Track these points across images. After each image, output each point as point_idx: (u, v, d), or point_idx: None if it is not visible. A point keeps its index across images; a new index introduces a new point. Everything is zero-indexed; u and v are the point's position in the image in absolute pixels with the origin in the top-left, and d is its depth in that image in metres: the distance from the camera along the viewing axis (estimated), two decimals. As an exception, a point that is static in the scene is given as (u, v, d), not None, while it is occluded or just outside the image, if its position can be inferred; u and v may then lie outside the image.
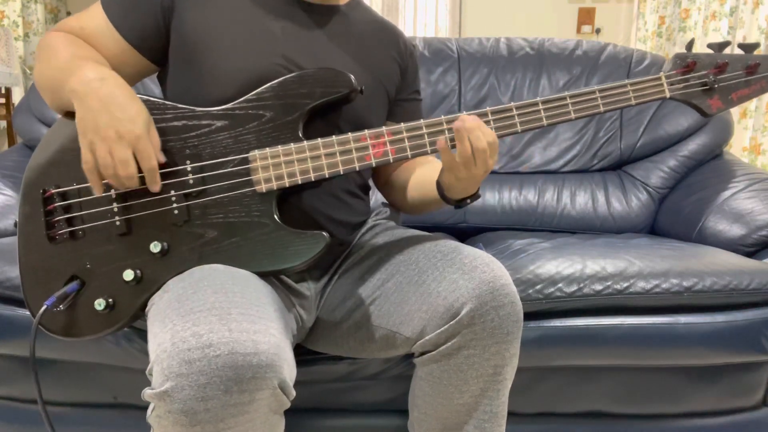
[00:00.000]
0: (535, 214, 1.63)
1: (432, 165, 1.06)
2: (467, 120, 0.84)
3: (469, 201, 0.94)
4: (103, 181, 0.82)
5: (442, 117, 0.88)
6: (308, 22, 0.95)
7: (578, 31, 3.94)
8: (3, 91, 3.31)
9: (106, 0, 0.93)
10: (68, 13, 4.14)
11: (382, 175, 1.13)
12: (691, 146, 1.64)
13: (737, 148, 3.13)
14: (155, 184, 0.83)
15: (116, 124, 0.78)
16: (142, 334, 1.08)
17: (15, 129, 1.63)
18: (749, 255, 1.29)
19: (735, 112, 3.13)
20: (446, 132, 0.88)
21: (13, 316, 1.09)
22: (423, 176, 1.03)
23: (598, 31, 3.94)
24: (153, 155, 0.80)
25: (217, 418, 0.67)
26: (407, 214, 1.14)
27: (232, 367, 0.66)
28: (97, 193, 0.83)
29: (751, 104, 3.08)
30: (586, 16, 3.92)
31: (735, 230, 1.33)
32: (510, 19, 3.95)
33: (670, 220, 1.56)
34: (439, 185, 0.94)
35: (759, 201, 1.36)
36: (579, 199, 1.64)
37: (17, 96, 3.44)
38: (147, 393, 0.68)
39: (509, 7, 3.95)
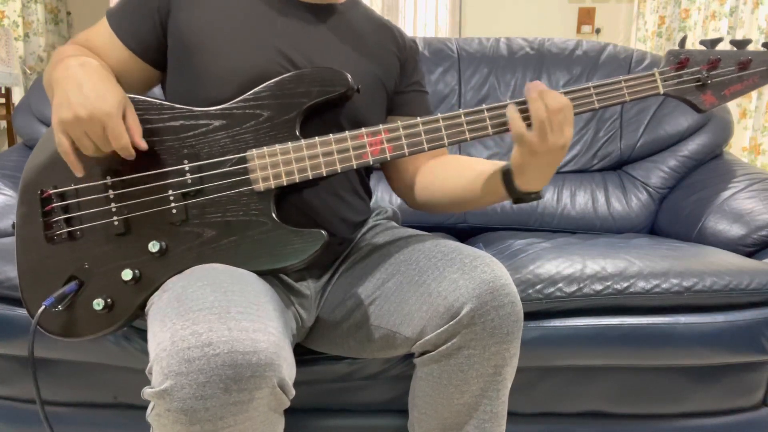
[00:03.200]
0: (535, 214, 1.63)
1: (465, 159, 1.02)
2: (538, 83, 0.85)
3: (533, 196, 0.90)
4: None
5: (439, 115, 0.88)
6: (305, 21, 0.95)
7: (578, 31, 3.94)
8: (3, 91, 3.31)
9: (110, 11, 0.96)
10: (68, 14, 4.13)
11: (403, 177, 1.07)
12: (691, 146, 1.64)
13: (737, 148, 3.13)
14: (131, 157, 0.83)
15: (86, 101, 0.78)
16: (142, 333, 1.07)
17: (15, 129, 1.63)
18: (749, 255, 1.29)
19: (735, 112, 3.13)
20: (443, 129, 0.87)
21: (12, 316, 1.09)
22: (466, 169, 0.98)
23: (598, 31, 3.93)
24: (123, 133, 0.80)
25: (216, 417, 0.67)
26: (436, 213, 1.07)
27: (232, 365, 0.66)
28: (78, 173, 0.82)
29: (751, 104, 3.08)
30: (586, 16, 3.91)
31: (735, 230, 1.33)
32: (510, 19, 3.94)
33: (670, 220, 1.56)
34: (506, 174, 0.90)
35: (759, 201, 1.36)
36: (579, 199, 1.64)
37: (17, 96, 3.44)
38: (147, 392, 0.68)
39: (509, 7, 3.94)
